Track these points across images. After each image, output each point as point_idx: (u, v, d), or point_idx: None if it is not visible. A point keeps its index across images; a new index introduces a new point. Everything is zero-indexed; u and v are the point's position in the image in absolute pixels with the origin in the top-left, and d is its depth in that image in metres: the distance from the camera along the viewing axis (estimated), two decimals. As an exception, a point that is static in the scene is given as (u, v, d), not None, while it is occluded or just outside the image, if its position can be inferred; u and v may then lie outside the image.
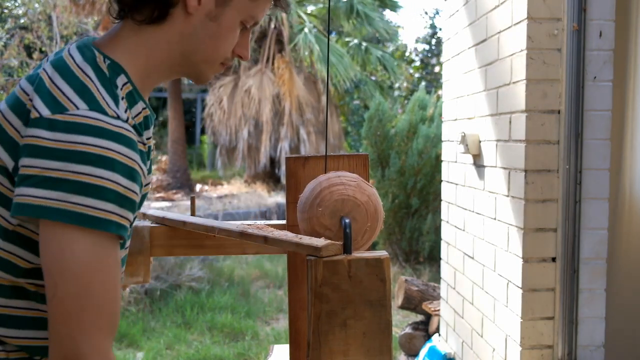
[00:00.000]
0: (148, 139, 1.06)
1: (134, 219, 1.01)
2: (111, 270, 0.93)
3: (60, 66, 0.99)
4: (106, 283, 0.92)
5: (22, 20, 6.79)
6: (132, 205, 0.95)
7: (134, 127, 0.99)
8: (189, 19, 1.04)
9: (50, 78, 0.97)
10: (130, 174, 0.93)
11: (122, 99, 0.99)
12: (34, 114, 0.94)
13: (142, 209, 1.70)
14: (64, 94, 0.95)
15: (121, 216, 0.93)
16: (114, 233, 0.93)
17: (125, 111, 0.99)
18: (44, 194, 0.89)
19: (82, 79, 0.97)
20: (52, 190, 0.89)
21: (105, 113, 0.93)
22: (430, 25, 13.64)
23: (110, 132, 0.92)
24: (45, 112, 0.93)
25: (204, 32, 1.05)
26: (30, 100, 0.97)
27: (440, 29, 13.19)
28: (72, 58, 1.00)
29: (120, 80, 1.01)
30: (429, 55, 13.18)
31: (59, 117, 0.92)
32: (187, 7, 1.03)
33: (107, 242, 0.93)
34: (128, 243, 1.12)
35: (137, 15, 1.03)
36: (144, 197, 1.10)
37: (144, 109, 1.05)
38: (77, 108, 0.93)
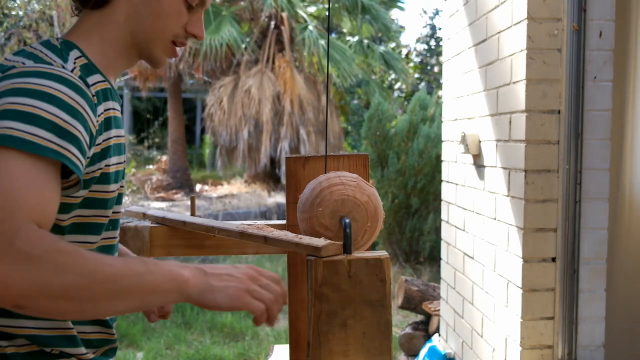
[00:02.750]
0: (107, 110, 1.10)
1: (94, 165, 1.04)
2: (38, 186, 0.92)
3: (22, 50, 1.09)
4: (24, 196, 0.89)
5: (21, 22, 6.79)
6: (75, 141, 0.97)
7: (81, 78, 1.03)
8: (131, 0, 1.12)
9: (5, 58, 1.08)
10: (71, 111, 0.97)
11: (75, 65, 1.06)
12: None
13: (142, 209, 1.70)
14: (13, 60, 1.04)
15: (61, 146, 0.94)
16: (53, 158, 0.93)
17: (73, 70, 1.04)
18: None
19: (32, 51, 1.06)
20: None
21: (49, 64, 1.01)
22: (430, 25, 13.64)
23: (53, 74, 0.98)
24: None
25: (146, 10, 1.13)
26: None
27: (440, 29, 13.18)
28: (31, 45, 1.10)
29: (73, 54, 1.08)
30: (429, 55, 13.18)
31: (7, 72, 1.00)
32: None
33: (43, 166, 0.93)
34: (114, 209, 1.14)
35: (86, 2, 1.12)
36: (119, 173, 1.14)
37: (102, 81, 1.10)
38: (24, 64, 1.01)
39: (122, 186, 1.19)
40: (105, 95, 1.10)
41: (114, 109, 1.13)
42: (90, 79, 1.07)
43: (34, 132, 0.92)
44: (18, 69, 1.00)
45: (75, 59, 1.08)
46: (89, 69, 1.09)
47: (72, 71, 1.03)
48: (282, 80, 10.55)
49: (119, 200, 1.18)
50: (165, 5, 1.13)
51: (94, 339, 1.15)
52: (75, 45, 1.10)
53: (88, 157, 1.03)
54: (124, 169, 1.19)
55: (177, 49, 1.20)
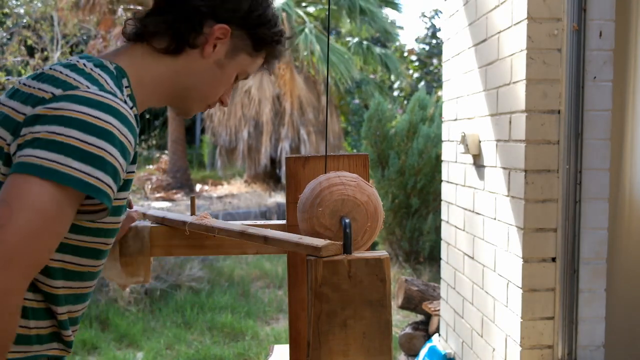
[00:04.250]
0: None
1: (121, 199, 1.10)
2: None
3: (73, 65, 1.08)
4: (53, 236, 0.98)
5: (24, 20, 6.78)
6: (121, 181, 1.05)
7: (127, 104, 1.07)
8: (201, 61, 1.18)
9: (62, 72, 1.05)
10: (123, 150, 1.02)
11: (126, 95, 1.10)
12: (47, 95, 1.01)
13: (142, 209, 1.70)
14: (76, 80, 1.03)
15: (110, 187, 1.01)
16: (105, 204, 1.00)
17: (125, 102, 1.07)
18: (47, 155, 0.95)
19: (93, 74, 1.06)
20: (54, 153, 0.95)
21: (114, 94, 1.03)
22: (429, 25, 13.64)
23: (116, 109, 1.01)
24: (58, 91, 1.01)
25: (209, 74, 1.20)
26: (38, 89, 1.03)
27: (439, 29, 13.18)
28: (83, 63, 1.09)
29: (124, 81, 1.12)
30: (428, 55, 13.18)
31: (69, 92, 1.00)
32: (204, 52, 1.17)
33: (71, 199, 0.98)
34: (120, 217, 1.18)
35: (155, 42, 1.16)
36: (129, 181, 1.16)
37: (136, 115, 1.12)
38: (89, 88, 1.02)
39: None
40: (136, 132, 1.12)
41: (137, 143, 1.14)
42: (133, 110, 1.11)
43: (98, 177, 0.98)
44: (82, 92, 1.00)
45: (125, 87, 1.11)
46: (131, 100, 1.12)
47: (125, 102, 1.05)
48: (282, 80, 10.55)
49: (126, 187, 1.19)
50: (225, 76, 1.21)
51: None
52: (125, 74, 1.13)
53: None
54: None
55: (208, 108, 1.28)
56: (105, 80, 1.06)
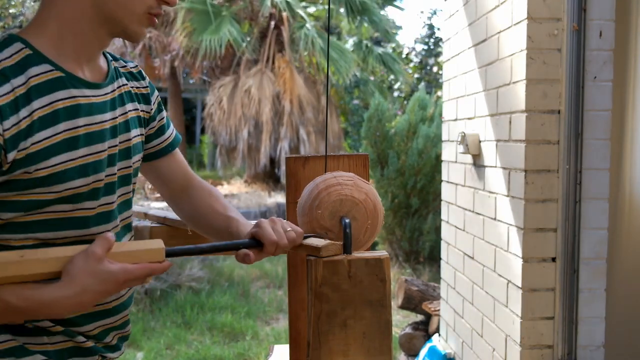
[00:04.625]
0: (56, 101, 1.07)
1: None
2: None
3: None
4: None
5: (19, 20, 6.78)
6: None
7: (2, 74, 1.01)
8: None
9: None
10: None
11: (6, 58, 1.02)
12: None
13: (142, 209, 1.70)
14: None
15: None
16: None
17: None
18: None
19: None
20: None
21: None
22: (428, 25, 13.62)
23: None
24: None
25: None
26: None
27: (438, 29, 13.16)
28: None
29: (11, 49, 1.04)
30: (428, 55, 13.17)
31: None
32: None
33: None
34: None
35: None
36: (91, 164, 1.10)
37: (50, 71, 1.06)
38: None
39: (108, 175, 1.16)
40: (52, 86, 1.06)
41: (73, 97, 1.08)
42: (33, 70, 1.04)
43: None
44: None
45: (14, 53, 1.04)
46: (30, 60, 1.05)
47: None
48: (282, 80, 10.55)
49: (94, 194, 1.14)
50: None
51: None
52: (20, 39, 1.06)
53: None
54: (107, 157, 1.15)
55: (154, 18, 1.16)
56: None
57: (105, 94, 1.16)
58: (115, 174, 1.18)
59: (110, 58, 1.23)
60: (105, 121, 1.14)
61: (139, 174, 1.33)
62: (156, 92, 1.34)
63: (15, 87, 1.02)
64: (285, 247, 1.19)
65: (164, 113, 1.36)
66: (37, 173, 1.04)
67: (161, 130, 1.35)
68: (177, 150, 1.40)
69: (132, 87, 1.26)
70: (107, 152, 1.14)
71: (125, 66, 1.28)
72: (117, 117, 1.18)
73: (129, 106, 1.23)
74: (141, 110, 1.27)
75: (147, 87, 1.31)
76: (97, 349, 1.20)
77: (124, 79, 1.24)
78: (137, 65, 1.31)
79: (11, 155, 1.00)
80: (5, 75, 1.01)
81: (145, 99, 1.29)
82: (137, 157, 1.25)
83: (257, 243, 1.19)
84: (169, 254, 1.08)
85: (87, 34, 1.11)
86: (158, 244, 1.07)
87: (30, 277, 0.99)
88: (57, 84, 1.07)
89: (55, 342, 1.14)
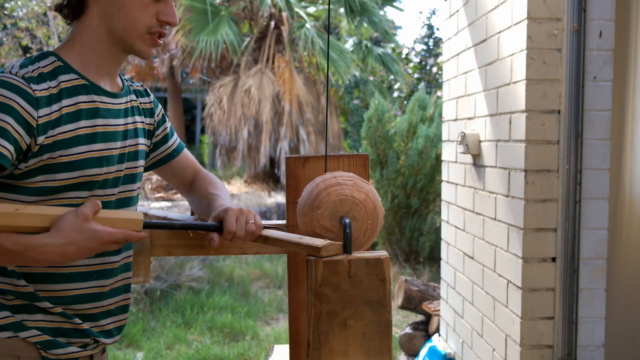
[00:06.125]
0: (78, 103, 1.27)
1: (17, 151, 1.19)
2: None
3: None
4: None
5: (19, 20, 6.78)
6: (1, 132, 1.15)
7: (32, 77, 1.22)
8: (100, 4, 1.28)
9: None
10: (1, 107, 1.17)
11: (36, 67, 1.24)
12: None
13: (143, 209, 1.70)
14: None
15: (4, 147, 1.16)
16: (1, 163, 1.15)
17: (26, 73, 1.22)
18: None
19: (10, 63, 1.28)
20: None
21: (2, 72, 1.22)
22: (428, 26, 13.61)
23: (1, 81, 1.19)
24: None
25: (113, 9, 1.28)
26: None
27: (438, 29, 13.15)
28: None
29: (47, 60, 1.27)
30: (427, 55, 13.16)
31: None
32: None
33: None
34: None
35: (66, 17, 1.32)
36: (105, 158, 1.29)
37: (76, 79, 1.28)
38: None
39: (119, 170, 1.34)
40: (77, 90, 1.27)
41: (93, 101, 1.29)
42: (61, 78, 1.26)
43: None
44: None
45: (49, 64, 1.26)
46: (60, 69, 1.27)
47: (23, 75, 1.20)
48: (282, 80, 10.54)
49: (115, 183, 1.34)
50: (127, 1, 1.27)
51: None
52: (53, 54, 1.29)
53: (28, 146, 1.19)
54: (118, 154, 1.33)
55: (159, 38, 1.34)
56: (11, 64, 1.25)
57: (120, 103, 1.36)
58: (122, 170, 1.35)
59: (124, 78, 1.45)
60: (119, 125, 1.34)
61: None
62: (159, 107, 1.55)
63: (50, 87, 1.23)
64: (242, 239, 1.33)
65: (167, 124, 1.56)
66: (60, 159, 1.23)
67: (165, 138, 1.54)
68: (185, 152, 1.60)
69: (140, 103, 1.46)
70: (119, 151, 1.33)
71: (133, 85, 1.48)
72: (128, 124, 1.37)
73: (137, 118, 1.42)
74: (146, 123, 1.47)
75: (151, 102, 1.50)
76: (92, 333, 1.33)
77: (133, 95, 1.44)
78: (142, 85, 1.53)
79: (40, 139, 1.20)
80: (43, 77, 1.23)
81: (150, 112, 1.49)
82: (141, 162, 1.43)
83: (220, 227, 1.33)
84: (146, 226, 1.25)
85: (104, 52, 1.32)
86: (138, 215, 1.24)
87: (22, 228, 1.14)
88: (81, 89, 1.28)
89: (51, 321, 1.28)
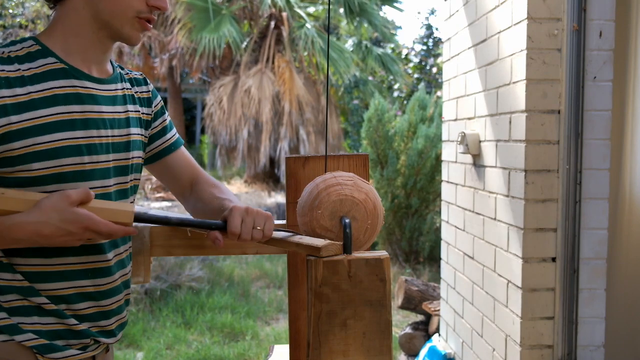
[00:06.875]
0: (55, 87, 1.20)
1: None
2: None
3: None
4: None
5: (18, 19, 6.78)
6: None
7: (1, 59, 1.17)
8: None
9: None
10: None
11: (12, 51, 1.20)
12: None
13: (143, 209, 1.70)
14: None
15: None
16: None
17: (3, 52, 1.18)
18: None
19: None
20: None
21: None
22: (427, 26, 13.61)
23: None
24: None
25: None
26: None
27: (437, 29, 13.15)
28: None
29: (25, 44, 1.22)
30: (426, 55, 13.16)
31: None
32: None
33: None
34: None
35: (49, 1, 1.25)
36: (84, 146, 1.22)
37: (54, 62, 1.22)
38: None
39: (106, 161, 1.26)
40: (53, 74, 1.20)
41: (73, 86, 1.22)
42: (40, 61, 1.20)
43: None
44: None
45: (25, 47, 1.20)
46: (37, 53, 1.21)
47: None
48: (282, 80, 10.54)
49: (104, 174, 1.26)
50: None
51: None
52: (32, 38, 1.23)
53: None
54: (105, 143, 1.25)
55: (148, 23, 1.26)
56: None
57: (108, 90, 1.28)
58: (110, 161, 1.27)
59: (116, 65, 1.37)
60: (105, 112, 1.26)
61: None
62: (158, 97, 1.47)
63: (20, 69, 1.17)
64: (247, 242, 1.25)
65: (166, 117, 1.48)
66: (34, 147, 1.15)
67: (163, 131, 1.46)
68: (183, 150, 1.51)
69: (135, 92, 1.38)
70: (105, 139, 1.25)
71: (129, 74, 1.41)
72: (118, 112, 1.29)
73: (131, 107, 1.34)
74: (142, 113, 1.39)
75: (149, 92, 1.43)
76: (91, 333, 1.27)
77: (128, 84, 1.37)
78: (142, 74, 1.45)
79: (4, 120, 1.13)
80: (12, 59, 1.17)
81: (147, 102, 1.41)
82: (136, 153, 1.35)
83: (222, 226, 1.25)
84: (137, 218, 1.19)
85: (89, 37, 1.25)
86: (129, 207, 1.18)
87: (7, 212, 1.11)
88: (59, 73, 1.21)
89: (46, 323, 1.23)
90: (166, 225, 1.26)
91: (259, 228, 1.24)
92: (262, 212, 1.26)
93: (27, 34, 6.72)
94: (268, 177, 11.59)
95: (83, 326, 1.26)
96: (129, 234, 1.18)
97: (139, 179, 1.39)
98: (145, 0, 1.23)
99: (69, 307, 1.25)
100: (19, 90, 1.15)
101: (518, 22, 2.33)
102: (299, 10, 11.25)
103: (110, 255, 1.29)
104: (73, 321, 1.25)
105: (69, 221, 1.11)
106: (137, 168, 1.37)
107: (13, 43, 1.21)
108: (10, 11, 6.79)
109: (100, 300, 1.29)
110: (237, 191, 11.02)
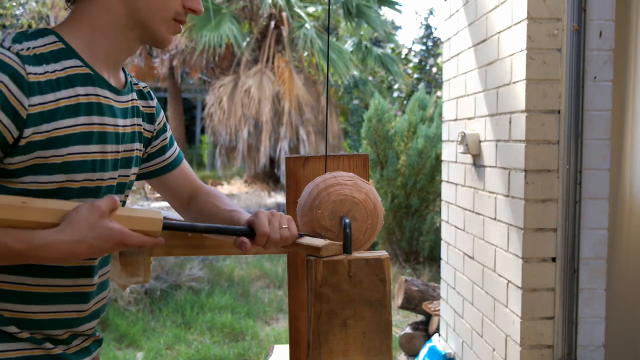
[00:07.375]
0: (79, 95, 1.09)
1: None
2: None
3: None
4: None
5: (19, 21, 6.78)
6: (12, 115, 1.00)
7: (28, 57, 1.04)
8: None
9: None
10: None
11: (36, 46, 1.06)
12: None
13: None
14: None
15: None
16: None
17: (29, 49, 1.05)
18: None
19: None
20: None
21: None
22: (426, 26, 13.62)
23: None
24: None
25: None
26: None
27: (436, 29, 13.16)
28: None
29: (46, 39, 1.09)
30: (426, 55, 13.17)
31: None
32: None
33: None
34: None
35: None
36: (105, 162, 1.14)
37: (79, 66, 1.10)
38: None
39: (112, 178, 1.18)
40: (79, 80, 1.10)
41: (96, 95, 1.12)
42: (64, 63, 1.08)
43: None
44: None
45: (49, 43, 1.08)
46: (63, 53, 1.09)
47: (18, 51, 1.03)
48: (282, 80, 10.55)
49: (109, 190, 1.17)
50: None
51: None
52: (53, 32, 1.11)
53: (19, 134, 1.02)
54: (112, 159, 1.17)
55: (179, 25, 1.19)
56: (4, 39, 1.07)
57: (122, 101, 1.20)
58: (115, 178, 1.19)
59: (127, 72, 1.28)
60: (117, 125, 1.17)
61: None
62: (162, 114, 1.38)
63: (47, 72, 1.05)
64: (276, 243, 1.20)
65: (167, 134, 1.40)
66: (52, 159, 1.06)
67: (162, 149, 1.38)
68: (182, 167, 1.42)
69: (140, 105, 1.29)
70: (113, 155, 1.17)
71: (137, 84, 1.32)
72: (126, 126, 1.21)
73: (136, 120, 1.26)
74: (144, 129, 1.30)
75: (153, 107, 1.34)
76: (67, 356, 1.17)
77: (135, 94, 1.28)
78: (147, 86, 1.36)
79: (28, 132, 1.02)
80: (40, 59, 1.05)
81: (150, 118, 1.33)
82: (134, 170, 1.27)
83: (251, 231, 1.20)
84: (165, 226, 1.11)
85: (118, 38, 1.15)
86: (157, 214, 1.10)
87: (28, 223, 1.00)
88: (85, 79, 1.11)
89: (17, 349, 1.10)
90: (193, 232, 1.23)
91: (285, 226, 1.21)
92: (283, 214, 1.24)
93: None
94: (268, 177, 11.59)
95: (58, 350, 1.15)
96: (157, 244, 1.09)
97: (128, 195, 1.32)
98: (182, 1, 1.16)
99: (42, 332, 1.13)
100: (48, 97, 1.05)
101: (518, 22, 2.33)
102: (298, 11, 11.25)
103: (95, 279, 1.20)
104: (49, 345, 1.14)
105: (103, 238, 1.02)
106: (131, 185, 1.30)
107: (34, 36, 1.08)
108: (11, 12, 6.79)
109: (78, 326, 1.19)
110: (237, 191, 11.03)
